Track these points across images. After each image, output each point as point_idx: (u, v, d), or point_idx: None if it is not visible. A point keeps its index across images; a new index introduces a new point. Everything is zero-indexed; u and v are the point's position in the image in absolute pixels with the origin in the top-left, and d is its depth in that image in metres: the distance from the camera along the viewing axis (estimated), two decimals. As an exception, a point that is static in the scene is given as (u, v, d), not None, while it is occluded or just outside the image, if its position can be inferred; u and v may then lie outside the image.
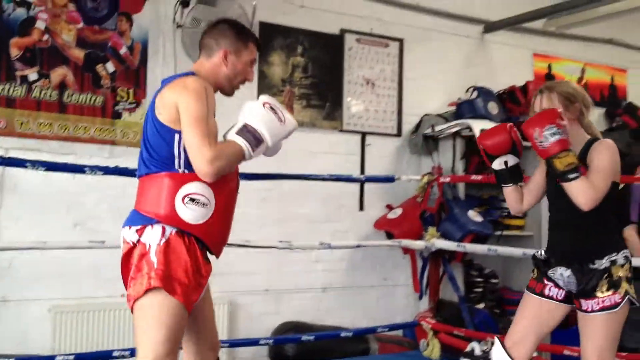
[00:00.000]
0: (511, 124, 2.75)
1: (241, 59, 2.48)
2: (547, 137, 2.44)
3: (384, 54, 5.42)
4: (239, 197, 5.08)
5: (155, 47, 4.52)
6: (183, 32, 4.49)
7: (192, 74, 2.43)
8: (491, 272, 5.40)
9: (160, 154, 2.31)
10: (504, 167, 2.73)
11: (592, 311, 2.51)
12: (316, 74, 5.09)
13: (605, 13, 5.55)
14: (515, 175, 2.75)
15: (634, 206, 4.59)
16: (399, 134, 5.45)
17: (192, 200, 2.28)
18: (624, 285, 2.49)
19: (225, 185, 2.40)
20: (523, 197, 2.81)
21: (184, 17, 4.46)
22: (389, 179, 4.92)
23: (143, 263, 2.25)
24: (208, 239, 2.35)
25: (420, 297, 5.05)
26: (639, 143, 6.27)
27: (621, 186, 5.26)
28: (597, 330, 2.50)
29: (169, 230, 2.27)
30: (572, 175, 2.44)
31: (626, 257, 2.55)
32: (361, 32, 5.31)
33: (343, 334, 4.54)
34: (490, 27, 5.90)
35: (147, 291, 2.22)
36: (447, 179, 4.93)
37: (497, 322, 5.05)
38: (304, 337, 4.35)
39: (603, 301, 2.49)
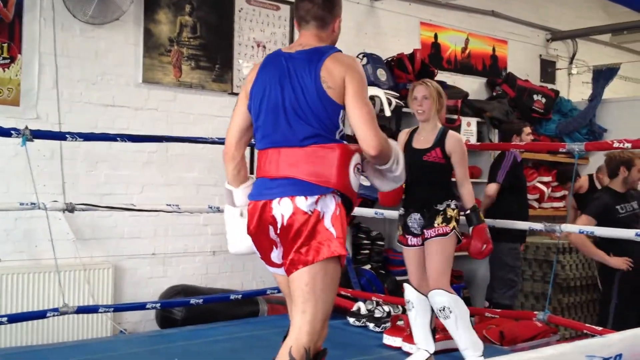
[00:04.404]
0: None
1: (340, 22, 2.55)
2: None
3: (274, 16, 5.38)
4: (120, 160, 4.92)
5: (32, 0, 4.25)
6: (62, -15, 4.26)
7: (335, 48, 2.44)
8: (378, 234, 5.56)
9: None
10: None
11: (431, 237, 3.48)
12: (205, 34, 4.98)
13: (488, -15, 5.77)
14: None
15: (503, 169, 4.97)
16: (289, 98, 5.44)
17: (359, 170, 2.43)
18: (453, 223, 3.49)
19: None
20: None
21: (63, -31, 4.22)
22: (279, 143, 4.92)
23: (317, 231, 2.32)
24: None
25: (309, 259, 5.13)
26: (517, 111, 6.65)
27: (497, 153, 5.64)
28: (434, 251, 3.46)
29: (339, 198, 2.37)
30: None
31: (456, 205, 3.56)
32: (252, -7, 5.24)
33: (232, 297, 4.55)
34: (380, -6, 5.99)
35: (325, 259, 2.31)
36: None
37: (383, 282, 5.23)
38: (193, 301, 4.34)
39: (438, 230, 3.47)
